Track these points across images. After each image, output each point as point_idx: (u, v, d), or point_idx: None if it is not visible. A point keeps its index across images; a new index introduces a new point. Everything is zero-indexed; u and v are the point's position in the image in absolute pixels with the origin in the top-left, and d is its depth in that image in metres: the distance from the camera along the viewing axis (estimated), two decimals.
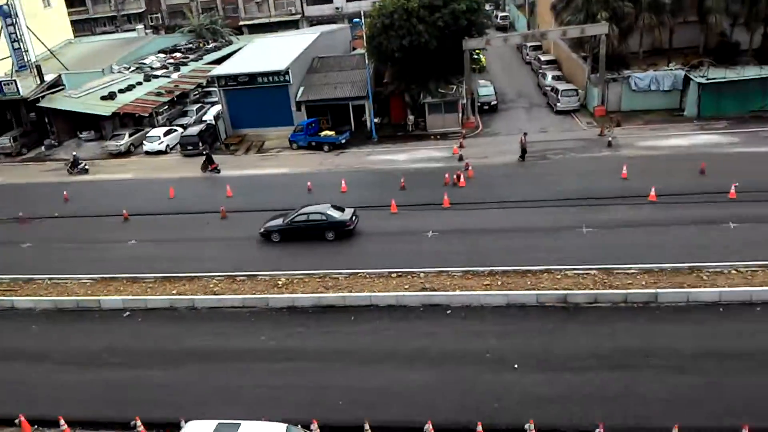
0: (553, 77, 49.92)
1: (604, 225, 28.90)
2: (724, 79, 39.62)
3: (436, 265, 26.60)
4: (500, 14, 76.83)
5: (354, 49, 62.13)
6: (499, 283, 25.06)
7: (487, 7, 60.76)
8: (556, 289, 24.23)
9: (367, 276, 26.48)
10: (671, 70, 42.87)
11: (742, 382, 19.03)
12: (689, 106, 41.31)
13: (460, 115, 44.52)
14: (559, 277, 25.10)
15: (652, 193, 30.74)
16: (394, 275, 26.30)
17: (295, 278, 26.89)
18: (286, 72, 46.11)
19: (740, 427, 16.83)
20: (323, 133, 44.60)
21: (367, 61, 45.79)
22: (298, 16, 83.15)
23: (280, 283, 26.72)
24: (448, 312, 23.96)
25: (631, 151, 36.91)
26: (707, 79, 39.97)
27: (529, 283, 24.86)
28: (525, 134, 38.15)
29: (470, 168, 36.17)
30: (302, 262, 28.18)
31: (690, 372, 19.64)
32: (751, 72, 39.77)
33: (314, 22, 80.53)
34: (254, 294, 26.03)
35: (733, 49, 45.04)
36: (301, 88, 47.20)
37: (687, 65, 43.20)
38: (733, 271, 24.18)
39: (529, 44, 60.12)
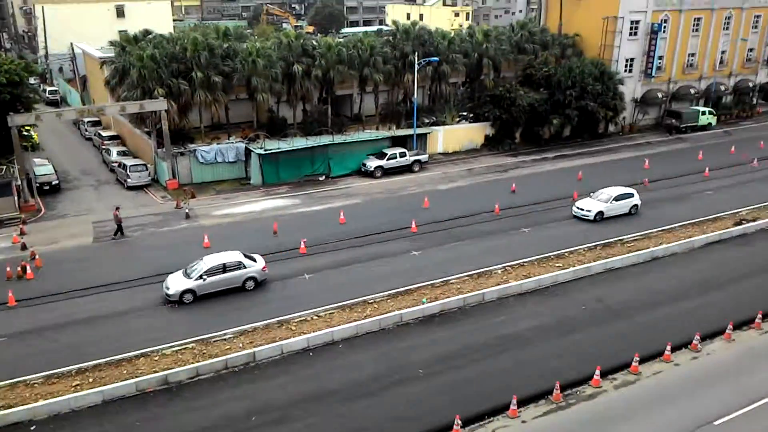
0: (119, 153, 48.32)
1: None
2: (279, 149, 44.61)
3: (9, 376, 22.37)
4: (49, 89, 71.13)
5: None
6: (91, 380, 22.51)
7: (32, 80, 55.67)
8: (155, 371, 23.04)
9: None
10: (232, 143, 46.23)
11: (336, 417, 21.18)
12: (254, 175, 45.08)
13: (17, 198, 39.01)
14: (156, 358, 23.94)
15: None
16: None
17: None
18: None
19: None
20: None
21: None
22: None
23: None
24: (33, 428, 20.30)
25: (209, 221, 38.09)
26: (265, 150, 44.39)
27: (125, 372, 23.01)
28: (117, 208, 35.95)
29: (37, 257, 31.87)
30: None
31: (290, 420, 20.98)
32: (300, 143, 45.83)
33: None
34: None
35: (282, 123, 51.34)
36: None
37: (245, 138, 47.27)
38: (315, 317, 26.99)
39: (87, 120, 56.99)
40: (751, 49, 65.23)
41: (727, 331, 26.08)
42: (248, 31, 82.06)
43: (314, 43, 52.49)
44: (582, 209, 38.10)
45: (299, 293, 29.22)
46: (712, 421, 21.04)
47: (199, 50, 45.31)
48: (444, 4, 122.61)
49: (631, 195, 38.95)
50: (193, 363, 23.62)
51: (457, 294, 28.75)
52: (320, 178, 46.09)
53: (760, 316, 27.09)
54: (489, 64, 55.90)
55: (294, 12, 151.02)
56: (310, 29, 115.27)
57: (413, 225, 36.56)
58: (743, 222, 37.16)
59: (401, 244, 34.62)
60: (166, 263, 31.64)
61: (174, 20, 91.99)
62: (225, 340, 25.31)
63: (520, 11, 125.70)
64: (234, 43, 49.25)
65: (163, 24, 73.55)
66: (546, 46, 58.64)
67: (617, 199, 38.32)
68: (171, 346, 24.62)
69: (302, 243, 33.88)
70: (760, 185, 44.29)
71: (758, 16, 63.81)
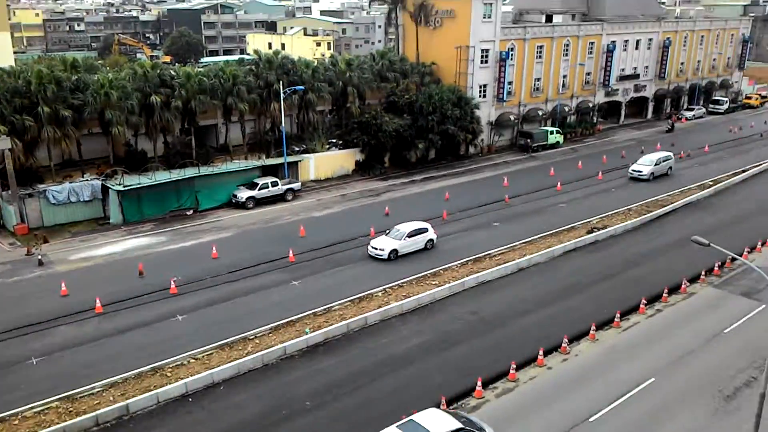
0: None
1: (51, 350, 26.47)
2: (140, 185, 42.18)
3: None
4: None
5: None
6: None
7: None
8: None
9: None
10: (87, 180, 43.09)
11: None
12: (114, 214, 42.21)
13: None
14: (16, 422, 21.51)
15: (98, 304, 29.90)
16: None
17: None
18: None
19: None
20: None
21: None
22: None
23: None
24: None
25: (65, 267, 35.06)
26: (124, 186, 41.80)
27: None
28: None
29: None
30: None
31: None
32: (163, 176, 43.63)
33: None
34: None
35: (142, 157, 48.75)
36: None
37: (102, 174, 44.30)
38: (192, 360, 25.57)
39: None
40: (588, 73, 71.69)
41: (591, 331, 28.05)
42: (99, 62, 77.66)
43: (172, 72, 50.66)
44: (376, 248, 36.08)
45: (168, 338, 27.57)
46: (587, 418, 22.40)
47: (45, 83, 42.16)
48: (305, 34, 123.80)
49: (425, 230, 37.52)
50: (58, 423, 21.54)
51: (340, 320, 28.57)
52: (188, 213, 44.16)
53: (618, 315, 29.45)
54: (354, 92, 56.91)
55: (148, 42, 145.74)
56: (167, 59, 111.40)
57: (291, 254, 36.00)
58: (594, 230, 40.40)
59: (280, 275, 33.93)
60: (17, 317, 28.76)
61: (15, 52, 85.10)
62: (93, 394, 23.29)
63: (380, 41, 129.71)
64: (84, 74, 46.37)
65: (2, 57, 67.61)
66: (406, 74, 60.79)
67: (411, 235, 36.65)
68: (31, 407, 22.25)
69: (172, 282, 32.16)
70: (606, 196, 48.52)
71: (592, 43, 70.48)
